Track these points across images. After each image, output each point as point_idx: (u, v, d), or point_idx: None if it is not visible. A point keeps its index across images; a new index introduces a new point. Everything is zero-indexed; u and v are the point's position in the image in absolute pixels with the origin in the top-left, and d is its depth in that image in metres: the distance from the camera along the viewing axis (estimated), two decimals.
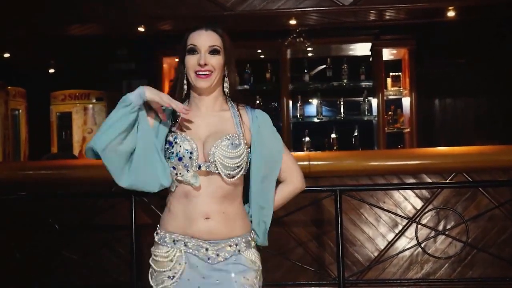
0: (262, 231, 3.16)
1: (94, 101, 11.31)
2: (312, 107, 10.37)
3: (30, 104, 11.43)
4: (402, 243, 6.58)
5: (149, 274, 3.21)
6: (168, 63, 10.27)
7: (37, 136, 11.46)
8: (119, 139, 2.87)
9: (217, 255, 2.99)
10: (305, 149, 9.93)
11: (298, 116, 10.22)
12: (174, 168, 2.96)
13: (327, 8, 7.00)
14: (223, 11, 7.05)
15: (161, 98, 2.92)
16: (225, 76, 3.10)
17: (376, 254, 6.57)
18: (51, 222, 6.61)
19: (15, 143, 11.07)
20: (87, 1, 7.11)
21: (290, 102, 10.06)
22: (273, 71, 10.27)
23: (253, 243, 3.09)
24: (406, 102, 9.95)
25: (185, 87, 3.10)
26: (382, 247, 6.58)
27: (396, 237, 6.58)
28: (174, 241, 3.08)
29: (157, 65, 10.14)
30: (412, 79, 9.85)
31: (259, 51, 10.48)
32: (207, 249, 2.99)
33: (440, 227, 6.55)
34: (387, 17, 7.73)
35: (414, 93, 9.82)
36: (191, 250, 3.01)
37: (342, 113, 10.14)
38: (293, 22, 7.49)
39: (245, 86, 10.28)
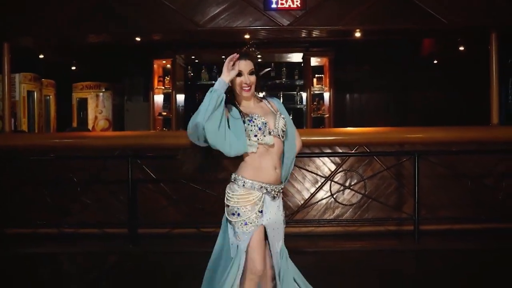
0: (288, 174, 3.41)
1: (103, 90, 11.18)
2: None
3: (57, 91, 11.24)
4: (320, 194, 6.68)
5: (231, 211, 3.18)
6: (157, 64, 10.15)
7: (62, 115, 11.29)
8: (214, 114, 3.02)
9: (277, 195, 3.25)
10: None
11: None
12: (255, 135, 3.14)
13: (271, 27, 6.99)
14: (197, 27, 6.97)
15: (227, 70, 3.19)
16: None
17: (302, 202, 6.67)
18: (72, 176, 6.59)
19: (46, 119, 10.90)
20: (100, 19, 6.99)
21: None
22: None
23: None
24: (326, 96, 10.00)
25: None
26: (307, 197, 6.67)
27: (316, 190, 6.67)
28: (261, 187, 3.16)
29: (149, 65, 10.02)
30: (331, 80, 9.88)
31: (223, 56, 10.29)
32: (273, 190, 3.21)
33: (347, 184, 6.67)
34: (314, 35, 7.74)
35: (332, 89, 9.86)
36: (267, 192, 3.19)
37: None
38: (247, 36, 7.44)
39: (213, 81, 10.23)
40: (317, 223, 6.64)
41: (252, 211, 3.12)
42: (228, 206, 3.18)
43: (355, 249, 6.11)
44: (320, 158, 6.68)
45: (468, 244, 6.10)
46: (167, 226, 6.65)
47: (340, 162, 6.67)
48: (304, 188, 6.69)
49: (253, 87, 3.26)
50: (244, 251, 3.13)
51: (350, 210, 6.67)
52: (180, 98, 10.30)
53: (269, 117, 3.24)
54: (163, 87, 10.07)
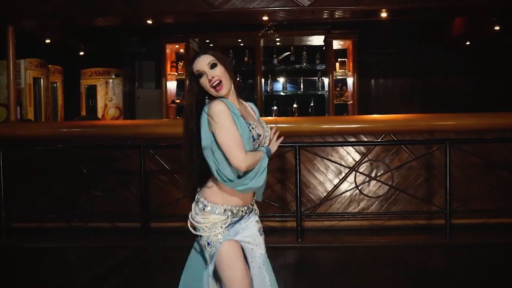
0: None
1: (113, 76, 11.16)
2: (279, 84, 10.28)
3: (65, 78, 11.26)
4: (344, 186, 6.59)
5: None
6: (170, 48, 10.09)
7: (70, 103, 11.31)
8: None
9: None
10: (273, 115, 9.88)
11: (268, 91, 10.14)
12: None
13: (291, 8, 6.87)
14: (212, 8, 6.87)
15: None
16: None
17: (325, 194, 6.58)
18: (81, 167, 6.57)
19: (53, 107, 10.93)
20: (109, 0, 6.95)
21: (263, 80, 9.97)
22: (250, 56, 10.13)
23: None
24: (349, 81, 9.89)
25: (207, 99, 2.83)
26: (330, 189, 6.59)
27: (340, 182, 6.58)
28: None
29: (162, 49, 9.96)
30: (355, 64, 9.78)
31: (239, 40, 10.33)
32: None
33: (373, 174, 6.56)
34: (337, 16, 7.60)
35: (355, 74, 9.75)
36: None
37: (302, 89, 10.06)
38: (265, 18, 7.34)
39: None
40: (341, 216, 6.55)
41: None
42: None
43: (382, 244, 6.00)
44: (344, 147, 6.57)
45: (502, 239, 5.97)
46: (180, 220, 6.59)
47: (365, 151, 6.55)
48: (327, 180, 6.59)
49: (225, 81, 2.73)
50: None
51: (376, 202, 6.56)
52: None
53: (259, 126, 2.84)
54: (176, 73, 10.01)
